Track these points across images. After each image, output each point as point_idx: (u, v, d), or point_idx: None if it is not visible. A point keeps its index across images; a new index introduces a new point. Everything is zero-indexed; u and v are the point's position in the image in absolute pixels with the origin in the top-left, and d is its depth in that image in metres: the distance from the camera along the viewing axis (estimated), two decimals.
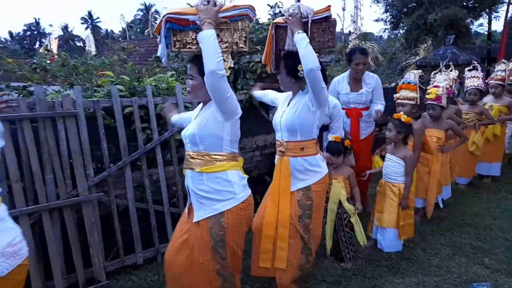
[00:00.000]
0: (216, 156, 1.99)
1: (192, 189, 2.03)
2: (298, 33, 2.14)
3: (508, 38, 9.99)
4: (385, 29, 13.87)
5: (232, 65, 2.00)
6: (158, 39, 1.95)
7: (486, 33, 13.31)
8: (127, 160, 2.79)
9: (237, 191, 2.02)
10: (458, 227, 3.72)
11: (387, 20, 13.45)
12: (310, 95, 2.25)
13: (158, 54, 2.03)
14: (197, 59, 1.96)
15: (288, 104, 2.42)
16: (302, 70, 2.18)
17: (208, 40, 1.82)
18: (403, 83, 3.33)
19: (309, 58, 2.10)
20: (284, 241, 2.42)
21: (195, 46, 1.96)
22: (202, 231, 2.03)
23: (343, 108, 3.65)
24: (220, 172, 1.99)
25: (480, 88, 4.53)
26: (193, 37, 1.96)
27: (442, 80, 3.91)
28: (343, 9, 17.59)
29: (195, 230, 2.06)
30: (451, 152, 4.08)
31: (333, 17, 2.31)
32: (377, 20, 13.83)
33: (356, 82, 3.71)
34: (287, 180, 2.37)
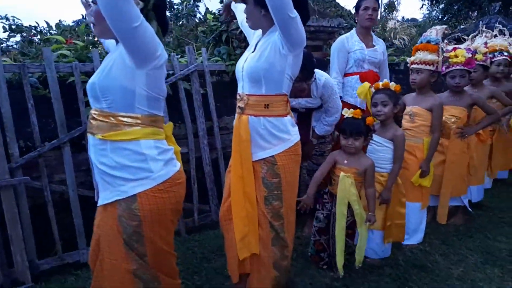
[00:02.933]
0: (124, 119, 1.43)
1: (94, 162, 1.49)
2: None
3: None
4: (422, 5, 12.64)
5: None
6: None
7: None
8: (64, 138, 2.31)
9: (153, 168, 1.46)
10: (494, 226, 2.95)
11: None
12: (278, 31, 1.66)
13: None
14: None
15: (256, 46, 1.83)
16: None
17: None
18: (421, 42, 2.58)
19: None
20: (253, 222, 1.86)
21: None
22: (110, 219, 1.49)
23: (354, 73, 3.01)
24: (130, 141, 1.43)
25: None
26: None
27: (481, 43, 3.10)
28: None
29: (103, 216, 1.52)
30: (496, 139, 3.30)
31: None
32: None
33: (366, 39, 3.06)
34: (247, 146, 1.80)
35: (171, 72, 2.81)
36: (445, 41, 2.87)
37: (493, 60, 3.33)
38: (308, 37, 3.60)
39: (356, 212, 2.15)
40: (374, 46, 3.06)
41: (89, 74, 2.50)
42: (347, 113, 2.16)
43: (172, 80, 2.72)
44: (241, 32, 3.60)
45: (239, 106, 1.83)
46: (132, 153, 1.44)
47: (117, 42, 1.50)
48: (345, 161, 2.18)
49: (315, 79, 2.46)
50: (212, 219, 3.01)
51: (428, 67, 2.48)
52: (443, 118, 2.77)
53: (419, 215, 2.64)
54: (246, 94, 1.80)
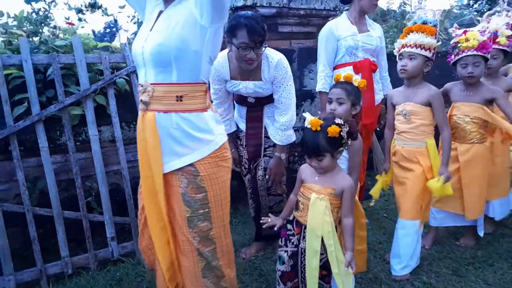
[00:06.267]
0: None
1: None
2: None
3: None
4: None
5: None
6: None
7: None
8: None
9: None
10: None
11: None
12: None
13: None
14: None
15: (158, 18, 1.39)
16: None
17: None
18: (415, 23, 2.03)
19: None
20: (165, 255, 1.48)
21: None
22: None
23: (347, 64, 2.54)
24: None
25: None
26: None
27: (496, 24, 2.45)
28: None
29: None
30: None
31: None
32: None
33: (360, 24, 2.58)
34: (156, 154, 1.38)
35: (123, 64, 2.41)
36: (455, 25, 2.29)
37: None
38: (298, 22, 3.11)
39: (329, 250, 1.55)
40: (368, 30, 2.57)
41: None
42: (306, 122, 1.57)
43: (122, 74, 2.29)
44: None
45: (141, 100, 1.38)
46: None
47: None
48: (316, 178, 1.63)
49: (267, 58, 2.02)
50: None
51: (423, 52, 1.93)
52: (454, 118, 2.24)
53: (416, 236, 2.09)
54: (151, 84, 1.35)
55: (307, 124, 1.56)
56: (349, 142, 1.54)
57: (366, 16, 2.62)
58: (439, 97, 1.98)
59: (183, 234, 1.44)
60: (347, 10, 2.82)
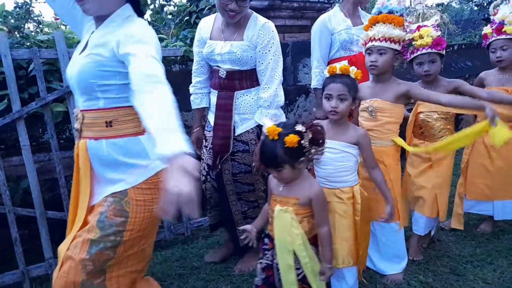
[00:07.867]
0: None
1: None
2: None
3: None
4: None
5: None
6: None
7: None
8: None
9: None
10: None
11: None
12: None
13: None
14: None
15: (87, 44, 1.30)
16: None
17: None
18: (380, 12, 1.88)
19: None
20: None
21: None
22: None
23: (341, 58, 2.40)
24: None
25: None
26: None
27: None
28: None
29: None
30: None
31: None
32: None
33: (353, 16, 2.47)
34: (85, 181, 1.30)
35: None
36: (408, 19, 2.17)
37: None
38: (291, 15, 3.04)
39: (303, 262, 1.46)
40: (362, 23, 2.47)
41: None
42: (264, 129, 1.42)
43: None
44: (210, 10, 3.07)
45: (74, 128, 1.32)
46: None
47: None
48: (280, 188, 1.50)
49: (255, 19, 1.92)
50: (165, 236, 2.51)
51: (393, 45, 1.82)
52: (422, 116, 2.15)
53: (399, 236, 2.01)
54: (81, 110, 1.28)
55: (264, 131, 1.42)
56: (313, 150, 1.41)
57: (359, 7, 2.53)
58: (416, 88, 1.90)
59: (73, 261, 1.21)
60: (340, 2, 2.74)
